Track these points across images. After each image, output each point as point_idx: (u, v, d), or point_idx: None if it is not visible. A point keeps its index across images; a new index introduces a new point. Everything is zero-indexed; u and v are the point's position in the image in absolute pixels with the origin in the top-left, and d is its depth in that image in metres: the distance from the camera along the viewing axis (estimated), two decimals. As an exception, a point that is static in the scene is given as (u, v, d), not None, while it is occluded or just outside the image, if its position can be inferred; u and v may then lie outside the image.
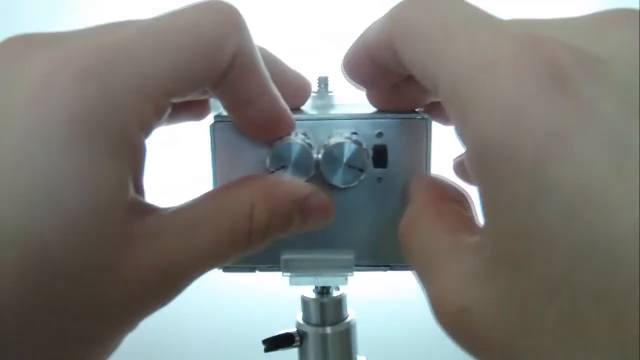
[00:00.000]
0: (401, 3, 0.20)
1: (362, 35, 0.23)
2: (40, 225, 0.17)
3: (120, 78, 0.18)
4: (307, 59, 0.33)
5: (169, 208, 0.21)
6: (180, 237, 0.20)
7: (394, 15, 0.20)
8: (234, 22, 0.21)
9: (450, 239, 0.19)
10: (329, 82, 0.33)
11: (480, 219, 0.18)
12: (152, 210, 0.20)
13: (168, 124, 0.26)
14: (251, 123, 0.24)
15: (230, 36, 0.20)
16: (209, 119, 0.27)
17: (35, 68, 0.18)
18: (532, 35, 0.16)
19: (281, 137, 0.25)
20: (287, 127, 0.25)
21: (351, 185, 0.25)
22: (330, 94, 0.32)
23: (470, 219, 0.21)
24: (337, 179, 0.25)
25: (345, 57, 0.24)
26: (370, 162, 0.25)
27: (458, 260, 0.18)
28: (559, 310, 0.14)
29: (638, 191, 0.13)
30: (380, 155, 0.26)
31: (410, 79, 0.21)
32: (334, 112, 0.27)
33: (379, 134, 0.26)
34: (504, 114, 0.15)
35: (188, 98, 0.21)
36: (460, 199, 0.23)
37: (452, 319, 0.18)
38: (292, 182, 0.24)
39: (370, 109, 0.27)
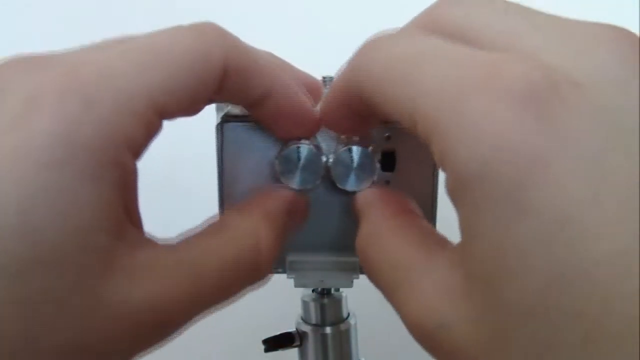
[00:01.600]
0: (360, 49, 0.20)
1: (332, 87, 0.22)
2: (17, 251, 0.16)
3: (104, 96, 0.17)
4: (311, 59, 0.32)
5: (167, 240, 0.20)
6: (180, 274, 0.19)
7: (356, 62, 0.20)
8: (218, 33, 0.20)
9: (419, 253, 0.19)
10: (334, 82, 0.32)
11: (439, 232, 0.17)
12: (146, 241, 0.19)
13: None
14: (272, 120, 0.24)
15: (216, 44, 0.20)
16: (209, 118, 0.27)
17: (19, 89, 0.17)
18: (501, 55, 0.16)
19: (308, 134, 0.24)
20: (310, 122, 0.24)
21: (362, 189, 0.25)
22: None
23: (432, 230, 0.21)
24: (348, 184, 0.25)
25: (322, 110, 0.23)
26: (378, 166, 0.25)
27: (431, 274, 0.18)
28: (533, 331, 0.14)
29: (614, 217, 0.13)
30: (388, 159, 0.26)
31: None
32: None
33: (388, 138, 0.25)
34: (480, 139, 0.15)
35: (185, 114, 0.21)
36: (414, 207, 0.23)
37: (428, 335, 0.17)
38: (281, 192, 0.24)
39: None
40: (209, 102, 0.23)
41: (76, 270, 0.17)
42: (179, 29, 0.20)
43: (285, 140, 0.25)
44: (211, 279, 0.20)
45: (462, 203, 0.16)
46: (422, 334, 0.18)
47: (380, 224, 0.21)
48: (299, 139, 0.24)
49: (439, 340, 0.17)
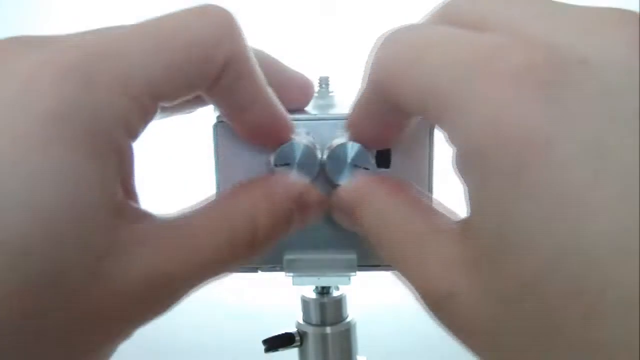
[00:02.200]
0: (377, 46, 0.20)
1: (355, 99, 0.22)
2: (21, 228, 0.16)
3: (105, 77, 0.18)
4: (308, 59, 0.33)
5: (164, 215, 0.20)
6: (176, 246, 0.19)
7: (374, 60, 0.20)
8: (228, 27, 0.20)
9: (428, 225, 0.19)
10: (329, 82, 0.32)
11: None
12: (144, 216, 0.20)
13: (161, 118, 0.26)
14: (248, 129, 0.24)
15: (222, 41, 0.20)
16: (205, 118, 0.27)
17: (19, 69, 0.17)
18: (505, 37, 0.16)
19: (281, 143, 0.24)
20: (285, 133, 0.24)
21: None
22: (331, 94, 0.32)
23: (437, 202, 0.21)
24: (343, 180, 0.25)
25: (350, 126, 0.23)
26: (373, 162, 0.25)
27: (441, 245, 0.18)
28: (532, 308, 0.15)
29: (614, 197, 0.13)
30: (383, 156, 0.26)
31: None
32: (336, 112, 0.27)
33: None
34: (483, 119, 0.15)
35: (177, 102, 0.21)
36: (412, 186, 0.23)
37: (438, 303, 0.18)
38: (288, 179, 0.24)
39: None
40: (202, 101, 0.23)
41: (78, 246, 0.17)
42: (189, 13, 0.20)
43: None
44: (207, 254, 0.20)
45: (468, 178, 0.17)
46: (431, 304, 0.18)
47: (386, 201, 0.22)
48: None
49: (447, 310, 0.17)
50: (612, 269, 0.13)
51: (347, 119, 0.23)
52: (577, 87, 0.15)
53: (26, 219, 0.16)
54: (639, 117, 0.14)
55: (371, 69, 0.20)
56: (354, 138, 0.24)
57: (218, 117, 0.26)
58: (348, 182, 0.24)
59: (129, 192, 0.20)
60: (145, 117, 0.19)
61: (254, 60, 0.22)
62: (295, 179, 0.24)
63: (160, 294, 0.19)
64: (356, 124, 0.23)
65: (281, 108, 0.23)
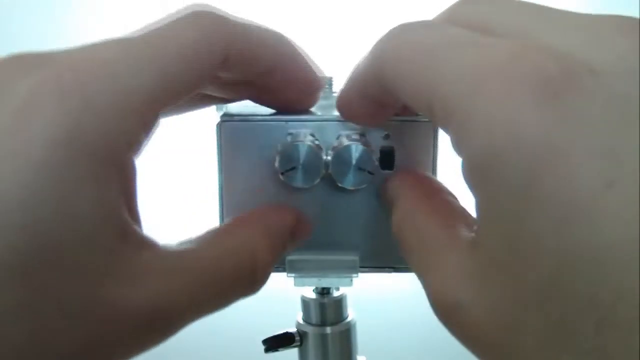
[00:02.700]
0: (384, 36, 0.20)
1: (351, 75, 0.23)
2: (20, 250, 0.16)
3: (103, 95, 0.17)
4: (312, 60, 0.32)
5: (168, 245, 0.20)
6: (181, 279, 0.19)
7: (379, 48, 0.20)
8: (217, 21, 0.20)
9: (446, 234, 0.20)
10: (333, 83, 0.32)
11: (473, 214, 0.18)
12: (148, 244, 0.19)
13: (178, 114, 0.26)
14: (276, 91, 0.24)
15: (214, 35, 0.20)
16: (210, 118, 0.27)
17: (19, 90, 0.17)
18: (518, 44, 0.16)
19: (314, 99, 0.25)
20: (316, 88, 0.25)
21: (361, 187, 0.25)
22: (334, 94, 0.32)
23: (462, 212, 0.21)
24: (347, 182, 0.25)
25: (339, 100, 0.24)
26: (377, 164, 0.25)
27: (454, 255, 0.18)
28: (546, 315, 0.15)
29: (627, 205, 0.13)
30: (387, 157, 0.26)
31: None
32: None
33: (386, 136, 0.26)
34: (494, 127, 0.15)
35: (181, 105, 0.21)
36: (443, 189, 0.23)
37: (447, 312, 0.18)
38: (284, 210, 0.25)
39: None
40: (207, 100, 0.23)
41: (80, 271, 0.17)
42: (177, 21, 0.20)
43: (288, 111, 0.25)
44: (209, 287, 0.20)
45: (478, 189, 0.16)
46: (442, 313, 0.18)
47: (414, 205, 0.22)
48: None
49: (457, 320, 0.18)
50: (626, 278, 0.13)
51: (339, 94, 0.24)
52: (587, 96, 0.15)
53: (26, 240, 0.16)
54: None
55: (377, 55, 0.20)
56: (342, 113, 0.24)
57: (222, 116, 0.26)
58: (396, 174, 0.25)
59: (132, 213, 0.20)
60: (146, 130, 0.19)
61: (256, 34, 0.22)
62: (289, 210, 0.25)
63: (161, 323, 0.19)
64: (347, 101, 0.23)
65: (309, 65, 0.24)
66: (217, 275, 0.21)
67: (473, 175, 0.16)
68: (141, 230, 0.20)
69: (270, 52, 0.22)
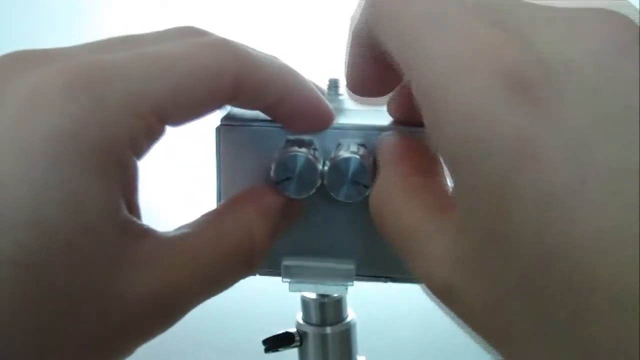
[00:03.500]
0: None
1: (350, 31, 0.22)
2: (25, 243, 0.16)
3: (113, 96, 0.18)
4: (319, 61, 0.32)
5: (167, 233, 0.21)
6: (181, 264, 0.20)
7: (371, 3, 0.20)
8: (231, 51, 0.21)
9: (428, 218, 0.19)
10: (339, 85, 0.32)
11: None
12: (149, 234, 0.20)
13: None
14: (287, 119, 0.24)
15: (228, 64, 0.20)
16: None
17: (25, 84, 0.17)
18: (498, 39, 0.16)
19: (324, 127, 0.25)
20: (325, 115, 0.25)
21: (355, 200, 0.25)
22: (340, 97, 0.32)
23: (445, 193, 0.21)
24: (341, 195, 0.24)
25: (346, 70, 0.24)
26: (375, 174, 0.25)
27: (440, 240, 0.18)
28: (526, 304, 0.15)
29: (600, 199, 0.13)
30: None
31: None
32: (343, 118, 0.27)
33: None
34: (465, 122, 0.15)
35: (187, 123, 0.21)
36: (433, 165, 0.22)
37: (439, 294, 0.18)
38: (273, 189, 0.25)
39: (382, 116, 0.26)
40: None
41: (86, 264, 0.17)
42: (194, 44, 0.20)
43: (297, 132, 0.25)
44: (209, 270, 0.20)
45: (456, 177, 0.16)
46: (433, 294, 0.19)
47: (395, 184, 0.22)
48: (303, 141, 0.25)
49: (446, 299, 0.18)
50: (602, 269, 0.13)
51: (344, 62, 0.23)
52: (565, 92, 0.14)
53: (31, 234, 0.16)
54: (627, 121, 0.14)
55: (367, 11, 0.20)
56: (349, 82, 0.24)
57: (222, 120, 0.26)
58: (386, 140, 0.24)
59: (133, 208, 0.20)
60: (151, 137, 0.20)
61: (267, 66, 0.22)
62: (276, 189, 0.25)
63: (164, 310, 0.20)
64: (352, 63, 0.23)
65: (317, 94, 0.24)
66: (216, 256, 0.21)
67: (448, 161, 0.17)
68: (141, 222, 0.20)
69: (279, 83, 0.22)
